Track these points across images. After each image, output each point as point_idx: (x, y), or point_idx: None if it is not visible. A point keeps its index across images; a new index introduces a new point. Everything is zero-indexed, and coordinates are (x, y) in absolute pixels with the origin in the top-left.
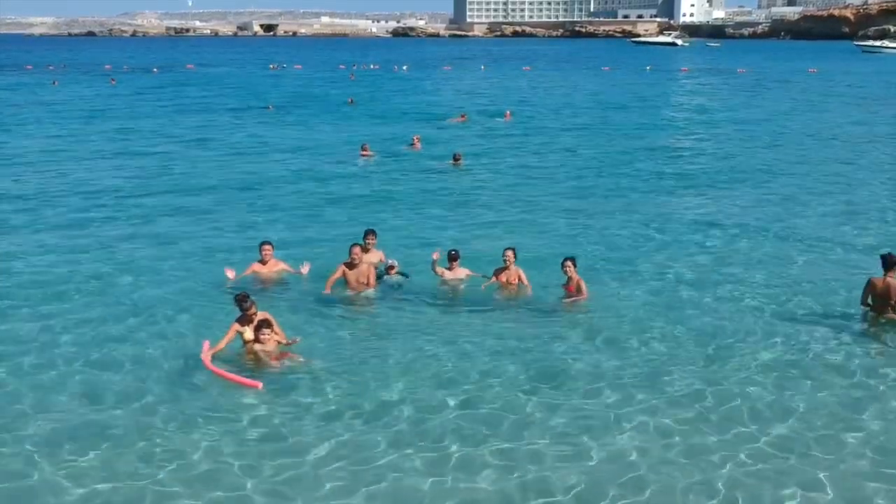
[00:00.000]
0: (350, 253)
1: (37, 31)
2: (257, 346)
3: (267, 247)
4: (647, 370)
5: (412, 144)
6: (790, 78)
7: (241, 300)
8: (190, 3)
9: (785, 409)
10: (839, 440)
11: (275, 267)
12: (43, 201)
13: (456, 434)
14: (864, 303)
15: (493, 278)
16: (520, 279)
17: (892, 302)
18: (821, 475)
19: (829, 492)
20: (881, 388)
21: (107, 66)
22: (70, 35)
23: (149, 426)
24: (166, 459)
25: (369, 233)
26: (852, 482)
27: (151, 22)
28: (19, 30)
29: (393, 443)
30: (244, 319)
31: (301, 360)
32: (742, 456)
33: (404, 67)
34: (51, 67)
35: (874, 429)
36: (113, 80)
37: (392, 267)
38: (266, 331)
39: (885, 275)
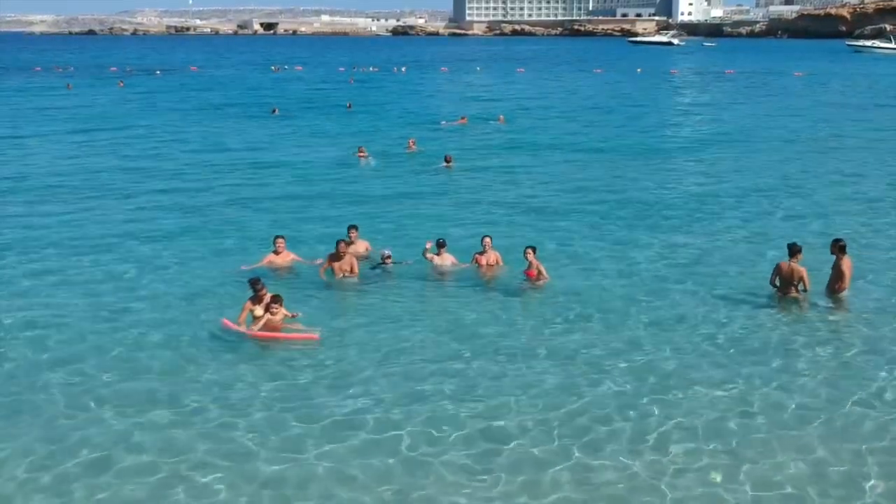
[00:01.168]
0: (336, 247)
1: (37, 29)
2: (268, 316)
3: (280, 240)
4: (590, 337)
5: (408, 147)
6: (772, 81)
7: (254, 283)
8: (190, 2)
9: (708, 367)
10: (750, 391)
11: (287, 257)
12: (80, 201)
13: (436, 388)
14: (772, 283)
15: (474, 261)
16: (497, 261)
17: (795, 283)
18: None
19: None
20: (784, 349)
21: (112, 69)
22: (71, 34)
23: (185, 383)
24: (196, 414)
25: (351, 227)
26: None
27: (151, 20)
28: (19, 28)
29: (379, 399)
30: (256, 299)
31: (298, 337)
32: (668, 407)
33: (403, 69)
34: (59, 70)
35: (780, 381)
36: (121, 82)
37: (388, 257)
38: (276, 305)
39: (789, 260)
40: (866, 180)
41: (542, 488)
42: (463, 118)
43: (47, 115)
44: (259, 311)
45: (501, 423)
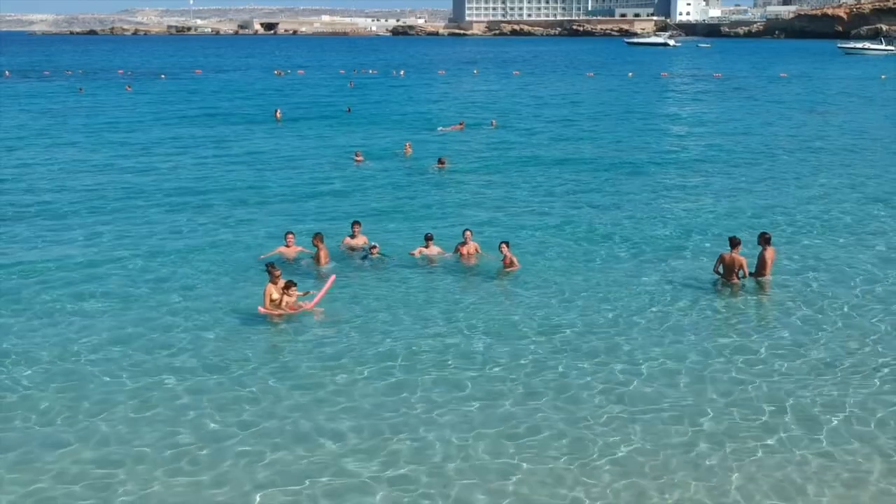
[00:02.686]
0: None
1: (37, 28)
2: (285, 298)
3: (290, 235)
4: (551, 312)
5: (405, 151)
6: (756, 84)
7: (271, 269)
8: (191, 1)
9: (652, 342)
10: (695, 362)
11: (296, 249)
12: (104, 202)
13: (426, 351)
14: (715, 271)
15: (456, 251)
16: (476, 250)
17: (736, 270)
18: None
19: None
20: (723, 328)
21: (119, 72)
22: (72, 33)
23: (213, 357)
24: (225, 388)
25: (355, 223)
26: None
27: (151, 19)
28: (20, 27)
29: (378, 370)
30: (273, 282)
31: (309, 307)
32: (610, 372)
33: (401, 72)
34: (69, 73)
35: (720, 356)
36: (129, 86)
37: (374, 247)
38: (292, 289)
39: (731, 251)
40: (789, 187)
41: (494, 421)
42: (461, 123)
43: (65, 121)
44: (276, 293)
45: (472, 375)
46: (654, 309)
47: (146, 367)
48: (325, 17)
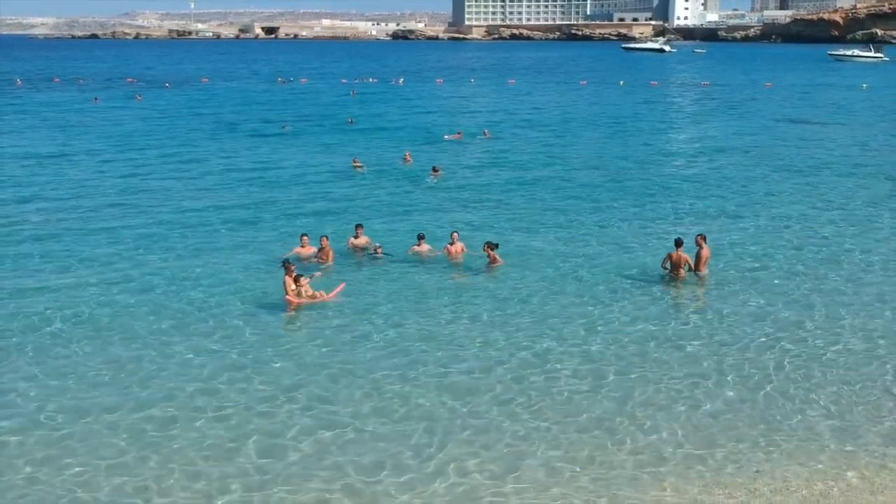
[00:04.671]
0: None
1: (38, 31)
2: (301, 289)
3: (305, 237)
4: (528, 302)
5: (405, 160)
6: (740, 94)
7: (287, 265)
8: (192, 6)
9: (611, 319)
10: (645, 348)
11: (310, 250)
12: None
13: (419, 331)
14: (662, 266)
15: (445, 250)
16: (463, 250)
17: (682, 266)
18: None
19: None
20: (671, 310)
21: (129, 80)
22: (73, 37)
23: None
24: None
25: (358, 225)
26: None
27: (152, 23)
28: (20, 30)
29: (378, 350)
30: (288, 275)
31: (322, 296)
32: (567, 361)
33: (401, 80)
34: (81, 81)
35: (667, 329)
36: (139, 96)
37: (379, 247)
38: (302, 279)
39: (676, 250)
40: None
41: (482, 394)
42: (459, 133)
43: (82, 132)
44: (292, 285)
45: (463, 366)
46: (612, 295)
47: (185, 342)
48: (326, 22)
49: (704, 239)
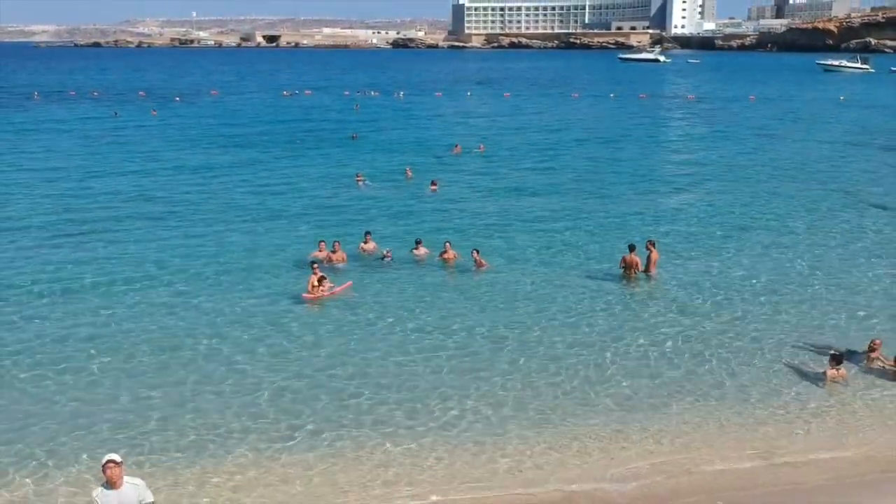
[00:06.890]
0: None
1: (39, 38)
2: (321, 286)
3: (322, 243)
4: (511, 301)
5: (406, 175)
6: (722, 108)
7: (314, 266)
8: (194, 15)
9: (577, 311)
10: (576, 334)
11: (326, 253)
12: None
13: (420, 322)
14: (620, 267)
15: (440, 257)
16: (455, 257)
17: (634, 268)
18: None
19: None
20: (624, 303)
21: (141, 93)
22: (75, 45)
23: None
24: (270, 354)
25: (367, 232)
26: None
27: (153, 30)
28: (22, 38)
29: (390, 339)
30: (313, 273)
31: (340, 293)
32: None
33: (401, 94)
34: (96, 94)
35: (620, 321)
36: (154, 111)
37: (388, 252)
38: (325, 280)
39: (630, 253)
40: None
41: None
42: (457, 146)
43: (116, 149)
44: (316, 282)
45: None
46: (580, 292)
47: (217, 330)
48: (326, 30)
49: (654, 244)
